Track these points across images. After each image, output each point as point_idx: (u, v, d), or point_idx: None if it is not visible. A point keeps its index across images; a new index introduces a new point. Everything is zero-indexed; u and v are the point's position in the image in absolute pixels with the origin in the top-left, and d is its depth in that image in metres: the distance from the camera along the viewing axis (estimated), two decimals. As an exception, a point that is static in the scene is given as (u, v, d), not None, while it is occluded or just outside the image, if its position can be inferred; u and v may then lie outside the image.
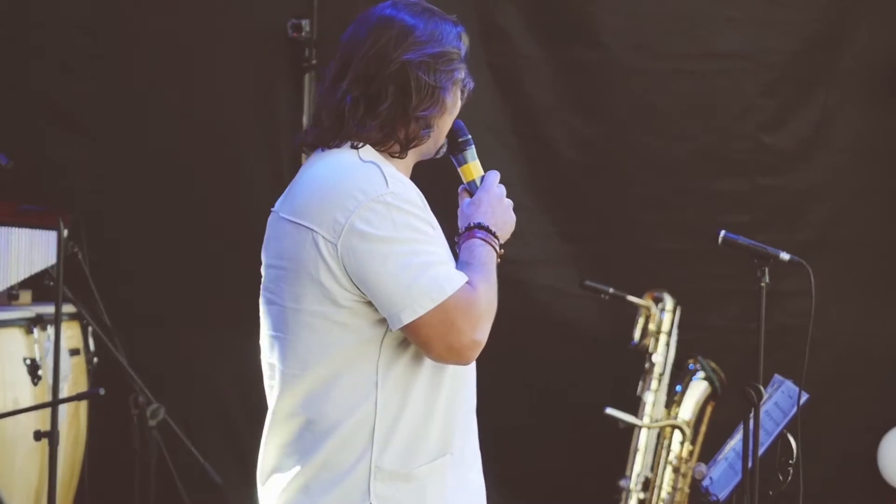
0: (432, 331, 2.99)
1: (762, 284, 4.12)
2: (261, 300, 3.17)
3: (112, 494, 5.50)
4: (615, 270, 5.61)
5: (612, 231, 5.67)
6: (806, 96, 5.81)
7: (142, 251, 5.69)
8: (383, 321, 3.03)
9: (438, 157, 3.25)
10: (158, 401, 4.99)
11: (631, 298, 5.37)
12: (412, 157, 3.22)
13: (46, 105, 5.72)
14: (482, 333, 3.02)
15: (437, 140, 3.22)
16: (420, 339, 3.03)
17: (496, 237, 3.18)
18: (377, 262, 2.97)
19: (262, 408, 5.54)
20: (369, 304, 3.03)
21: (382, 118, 3.11)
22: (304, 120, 5.64)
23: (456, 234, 3.19)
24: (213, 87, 5.66)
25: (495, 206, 3.23)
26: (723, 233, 4.17)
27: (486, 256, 3.14)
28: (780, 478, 4.14)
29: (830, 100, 5.78)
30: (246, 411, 5.68)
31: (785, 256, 4.09)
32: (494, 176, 3.29)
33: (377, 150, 3.14)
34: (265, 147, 5.70)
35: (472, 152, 3.30)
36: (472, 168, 3.30)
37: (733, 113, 5.83)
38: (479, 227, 3.18)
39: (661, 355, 5.36)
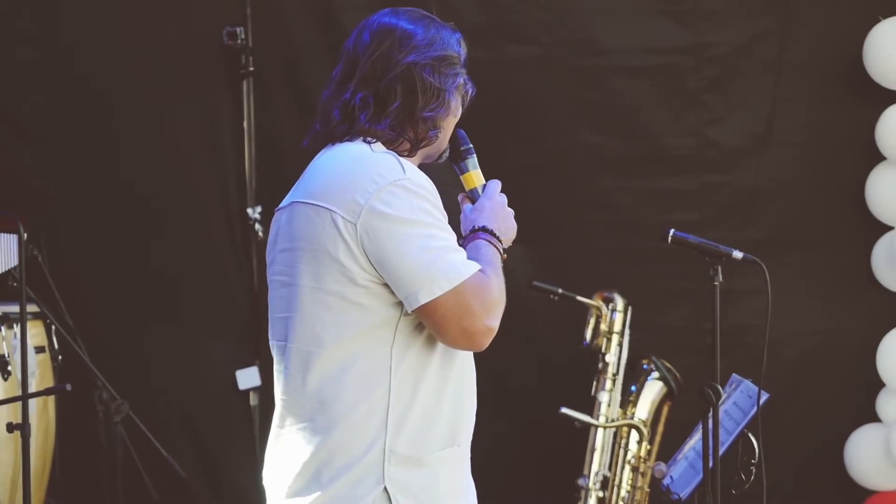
0: (449, 312, 3.05)
1: (715, 283, 4.11)
2: (271, 288, 3.23)
3: (82, 486, 5.59)
4: (565, 271, 5.60)
5: (560, 231, 5.65)
6: (752, 91, 5.78)
7: (97, 252, 5.72)
8: (399, 305, 3.10)
9: (440, 161, 3.33)
10: (122, 397, 5.07)
11: (581, 299, 5.36)
12: (417, 158, 3.29)
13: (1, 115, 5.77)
14: (495, 320, 3.08)
15: (441, 142, 3.32)
16: (436, 321, 3.09)
17: (500, 241, 3.25)
18: (397, 243, 3.05)
19: (221, 402, 5.66)
20: (386, 286, 3.09)
21: (393, 117, 3.22)
22: (245, 125, 5.67)
23: (459, 238, 3.23)
24: (157, 95, 5.67)
25: (498, 213, 3.31)
26: (672, 231, 4.18)
27: (493, 255, 3.20)
28: (742, 477, 4.14)
29: (778, 94, 5.76)
30: (207, 406, 5.71)
31: (738, 255, 4.09)
32: (497, 185, 3.38)
33: (388, 148, 3.21)
34: (209, 151, 5.71)
35: (473, 161, 3.39)
36: (475, 176, 3.39)
37: (677, 109, 5.80)
38: (484, 230, 3.25)
39: (614, 355, 5.35)
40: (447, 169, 3.38)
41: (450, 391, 3.21)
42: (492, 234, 3.24)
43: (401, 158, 3.15)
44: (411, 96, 3.21)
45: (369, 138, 3.20)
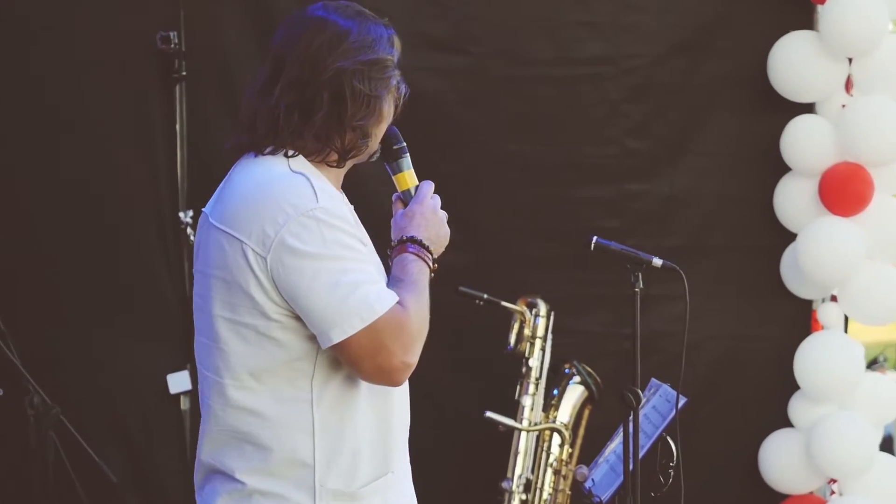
0: (362, 351, 2.94)
1: (636, 290, 4.18)
2: (194, 302, 3.13)
3: (12, 491, 5.53)
4: (490, 277, 5.64)
5: (485, 238, 5.71)
6: (671, 101, 5.87)
7: (28, 254, 5.64)
8: (315, 337, 2.98)
9: (371, 161, 3.21)
10: (53, 402, 4.98)
11: (505, 304, 5.39)
12: (332, 166, 3.14)
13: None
14: (413, 356, 2.98)
15: (371, 147, 3.16)
16: (350, 359, 2.98)
17: (429, 251, 3.13)
18: (307, 279, 2.92)
19: (152, 406, 5.64)
20: (300, 319, 2.98)
21: (318, 128, 3.07)
22: (178, 129, 5.64)
23: (388, 246, 3.15)
24: (89, 99, 5.61)
25: (429, 219, 3.18)
26: (595, 238, 4.21)
27: (419, 273, 3.09)
28: (661, 480, 4.23)
29: (696, 104, 5.86)
30: (138, 410, 5.67)
31: (658, 262, 4.15)
32: (428, 186, 3.25)
33: (313, 159, 3.09)
34: (141, 155, 5.67)
35: (407, 161, 3.26)
36: (408, 177, 3.27)
37: (598, 118, 5.86)
38: (412, 240, 3.13)
39: (537, 360, 5.41)
40: (380, 168, 3.30)
41: (379, 418, 3.12)
42: (420, 244, 3.11)
43: (316, 182, 3.01)
44: (340, 104, 3.05)
45: (291, 151, 3.07)
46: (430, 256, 3.14)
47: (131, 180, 5.68)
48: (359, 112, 3.07)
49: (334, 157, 3.11)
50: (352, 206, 3.25)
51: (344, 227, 2.97)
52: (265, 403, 3.03)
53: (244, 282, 2.98)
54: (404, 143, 3.26)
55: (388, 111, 3.17)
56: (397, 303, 2.97)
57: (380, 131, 3.17)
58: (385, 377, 3.01)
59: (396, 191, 3.29)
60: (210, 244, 3.05)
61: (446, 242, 3.24)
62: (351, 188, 3.29)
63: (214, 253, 3.03)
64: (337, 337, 2.94)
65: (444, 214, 3.23)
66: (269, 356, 3.02)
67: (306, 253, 2.92)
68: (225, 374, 3.06)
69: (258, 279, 2.97)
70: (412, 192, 3.25)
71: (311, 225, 2.93)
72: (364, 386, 3.07)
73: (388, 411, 3.15)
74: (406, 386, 3.20)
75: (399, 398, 3.20)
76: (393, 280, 3.09)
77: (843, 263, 5.56)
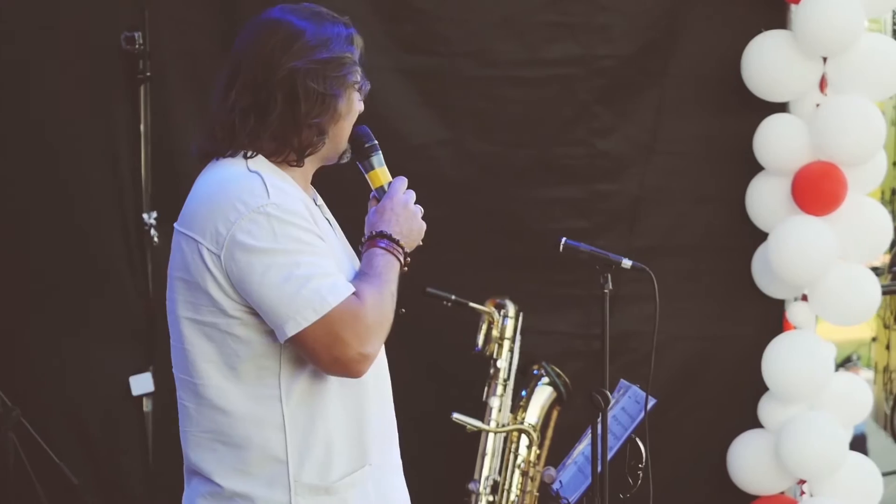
0: (317, 343, 2.96)
1: (605, 290, 4.16)
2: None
3: None
4: (458, 278, 5.60)
5: (453, 239, 5.63)
6: (639, 101, 5.84)
7: None
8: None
9: (343, 162, 3.23)
10: (14, 403, 5.00)
11: (473, 305, 5.37)
12: (311, 163, 3.20)
13: None
14: (371, 346, 2.99)
15: (336, 146, 3.19)
16: (307, 352, 3.00)
17: (399, 246, 3.16)
18: (258, 274, 2.96)
19: (111, 409, 5.60)
20: (258, 314, 3.01)
21: (273, 128, 3.10)
22: (142, 129, 5.61)
23: (360, 243, 3.18)
24: (53, 99, 5.59)
25: (399, 214, 3.20)
26: (564, 240, 4.19)
27: (385, 266, 3.11)
28: (630, 481, 4.20)
29: (664, 104, 5.84)
30: (99, 412, 5.64)
31: (627, 263, 4.12)
32: (400, 182, 3.27)
33: (274, 160, 3.13)
34: (104, 156, 5.64)
35: (378, 158, 3.28)
36: (380, 174, 3.29)
37: (567, 119, 5.84)
38: (381, 235, 3.16)
39: (505, 361, 5.36)
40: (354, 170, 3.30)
41: (352, 411, 3.13)
42: (390, 239, 3.14)
43: (269, 179, 3.04)
44: (293, 104, 3.09)
45: (251, 152, 3.12)
46: (400, 251, 3.17)
47: (95, 181, 5.65)
48: (313, 110, 3.11)
49: (293, 156, 3.15)
50: (323, 206, 3.30)
51: (296, 222, 3.00)
52: (235, 402, 3.07)
53: (202, 280, 3.02)
54: (375, 142, 3.28)
55: (347, 108, 3.19)
56: (353, 294, 3.00)
57: (340, 129, 3.19)
58: (343, 368, 3.01)
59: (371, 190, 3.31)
60: (174, 248, 3.12)
61: (420, 236, 3.26)
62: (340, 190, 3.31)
63: (177, 255, 3.10)
64: (291, 330, 2.96)
65: (417, 209, 3.25)
66: (234, 354, 3.05)
67: (257, 248, 2.96)
68: (194, 374, 3.10)
69: (214, 277, 3.01)
70: (385, 188, 3.28)
71: (261, 221, 2.97)
72: (333, 380, 3.09)
73: (362, 404, 3.16)
74: (383, 379, 3.25)
75: (375, 391, 3.21)
76: (358, 274, 3.12)
77: (814, 263, 5.53)
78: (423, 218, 3.31)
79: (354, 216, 3.41)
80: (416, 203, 3.30)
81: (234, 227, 2.97)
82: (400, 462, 3.36)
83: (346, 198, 3.58)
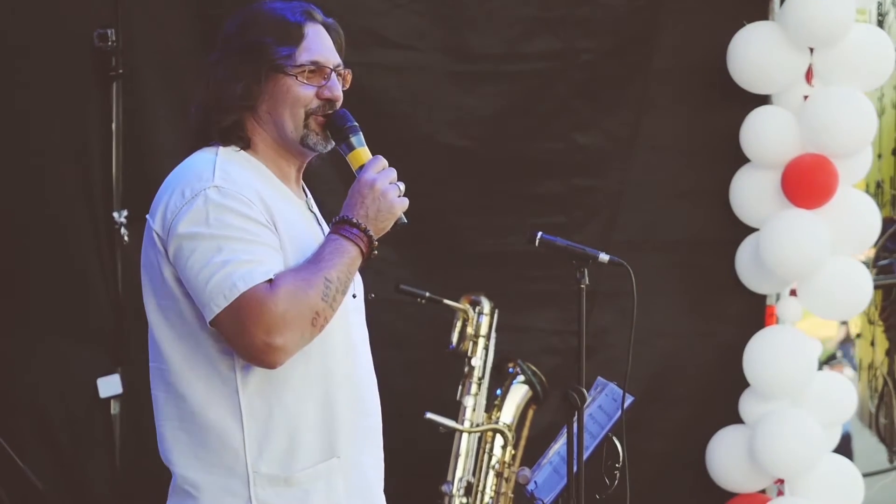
0: (227, 330, 2.97)
1: (581, 286, 4.09)
2: None
3: None
4: (432, 274, 5.56)
5: (428, 235, 5.58)
6: (619, 96, 5.80)
7: None
8: None
9: (322, 150, 3.24)
10: None
11: (447, 302, 5.31)
12: (276, 152, 3.23)
13: None
14: (280, 337, 2.94)
15: (280, 129, 3.20)
16: (225, 339, 3.01)
17: (361, 230, 3.10)
18: (184, 258, 3.00)
19: (78, 411, 5.52)
20: None
21: (201, 117, 3.21)
22: (114, 127, 5.56)
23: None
24: (23, 95, 5.56)
25: (365, 196, 3.13)
26: (540, 234, 4.13)
27: (332, 253, 3.07)
28: (607, 481, 4.13)
29: (645, 99, 5.79)
30: (66, 414, 5.56)
31: (604, 257, 4.06)
32: (374, 162, 3.20)
33: (240, 148, 3.19)
34: (75, 153, 5.59)
35: (358, 139, 3.23)
36: (361, 154, 3.23)
37: (546, 114, 5.79)
38: (343, 221, 3.12)
39: (480, 359, 5.29)
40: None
41: (316, 401, 3.12)
42: (351, 224, 3.10)
43: (221, 164, 3.10)
44: (207, 93, 3.19)
45: (213, 141, 3.21)
46: (360, 236, 3.11)
47: (65, 179, 5.61)
48: (220, 97, 3.19)
49: (241, 142, 3.21)
50: (309, 200, 3.33)
51: (234, 207, 3.02)
52: (194, 389, 3.09)
53: (157, 263, 3.08)
54: (355, 123, 3.25)
55: (278, 88, 3.20)
56: (268, 281, 2.97)
57: (276, 112, 3.21)
58: (252, 358, 3.00)
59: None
60: (144, 236, 3.17)
61: (392, 216, 3.18)
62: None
63: (143, 242, 3.15)
64: (208, 315, 2.99)
65: (391, 188, 3.17)
66: (192, 339, 3.08)
67: (187, 233, 3.01)
68: (161, 359, 3.13)
69: (162, 258, 3.06)
70: None
71: (199, 205, 3.01)
72: (293, 368, 3.07)
73: (330, 395, 3.15)
74: (360, 370, 3.24)
75: (346, 381, 3.19)
76: (305, 261, 3.11)
77: (807, 257, 5.49)
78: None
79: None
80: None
81: (178, 211, 3.02)
82: (381, 461, 3.35)
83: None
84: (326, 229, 3.29)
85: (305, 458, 3.10)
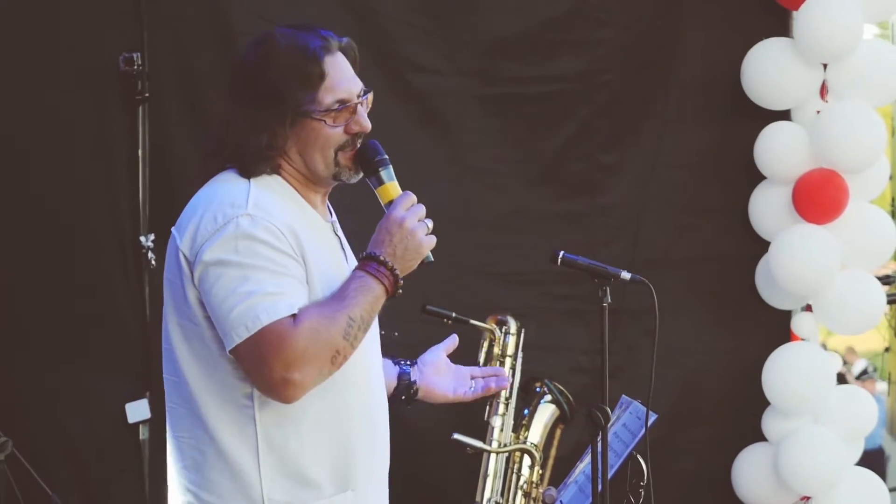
0: (247, 363, 2.97)
1: (604, 304, 4.11)
2: None
3: None
4: (459, 294, 5.56)
5: (453, 255, 5.57)
6: (642, 115, 5.81)
7: None
8: None
9: (352, 181, 3.23)
10: (6, 433, 4.93)
11: (474, 322, 5.28)
12: (304, 184, 3.20)
13: None
14: (298, 373, 2.94)
15: (314, 170, 3.19)
16: (245, 371, 3.00)
17: (388, 269, 3.10)
18: (210, 284, 2.99)
19: (106, 437, 5.53)
20: None
21: (229, 151, 3.17)
22: (140, 151, 5.57)
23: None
24: (52, 123, 5.57)
25: (394, 234, 3.14)
26: (562, 253, 4.17)
27: (357, 290, 3.06)
28: (632, 499, 4.14)
29: (666, 116, 5.80)
30: (94, 440, 5.56)
31: (626, 275, 4.09)
32: (404, 199, 3.21)
33: (269, 174, 3.18)
34: (102, 177, 5.61)
35: (388, 173, 3.24)
36: (390, 189, 3.23)
37: (570, 135, 5.80)
38: (369, 258, 3.11)
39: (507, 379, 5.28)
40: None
41: (333, 434, 3.12)
42: (378, 262, 3.09)
43: (255, 191, 3.08)
44: (232, 132, 3.17)
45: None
46: (387, 274, 3.10)
47: (92, 203, 5.62)
48: (252, 139, 3.16)
49: (255, 172, 3.18)
50: (334, 222, 3.32)
51: (261, 237, 3.00)
52: (210, 412, 3.07)
53: (181, 282, 3.07)
54: (385, 156, 3.25)
55: (296, 137, 3.19)
56: (291, 316, 2.96)
57: (307, 155, 3.19)
58: (269, 392, 3.00)
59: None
60: (167, 251, 3.18)
61: (419, 255, 3.19)
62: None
63: (168, 258, 3.15)
64: (228, 344, 2.98)
65: (421, 226, 3.18)
66: (210, 362, 3.06)
67: (216, 260, 2.99)
68: (178, 373, 3.13)
69: (187, 280, 3.05)
70: None
71: (230, 232, 3.00)
72: (309, 401, 3.05)
73: (347, 426, 3.14)
74: (376, 404, 3.23)
75: (362, 412, 3.19)
76: (328, 296, 3.09)
77: (817, 272, 5.46)
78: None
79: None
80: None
81: (208, 237, 3.00)
82: (387, 487, 3.32)
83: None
84: (350, 255, 3.30)
85: (320, 490, 3.10)
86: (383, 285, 3.09)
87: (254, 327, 2.93)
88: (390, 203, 3.21)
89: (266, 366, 2.92)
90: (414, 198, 3.22)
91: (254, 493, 3.04)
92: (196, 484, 3.10)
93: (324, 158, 3.19)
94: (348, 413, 3.14)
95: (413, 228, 3.16)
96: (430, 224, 3.22)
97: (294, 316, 2.96)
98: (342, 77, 3.24)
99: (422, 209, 3.21)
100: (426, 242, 3.19)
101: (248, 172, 3.15)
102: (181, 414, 3.13)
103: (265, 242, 2.99)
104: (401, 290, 3.14)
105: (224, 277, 2.96)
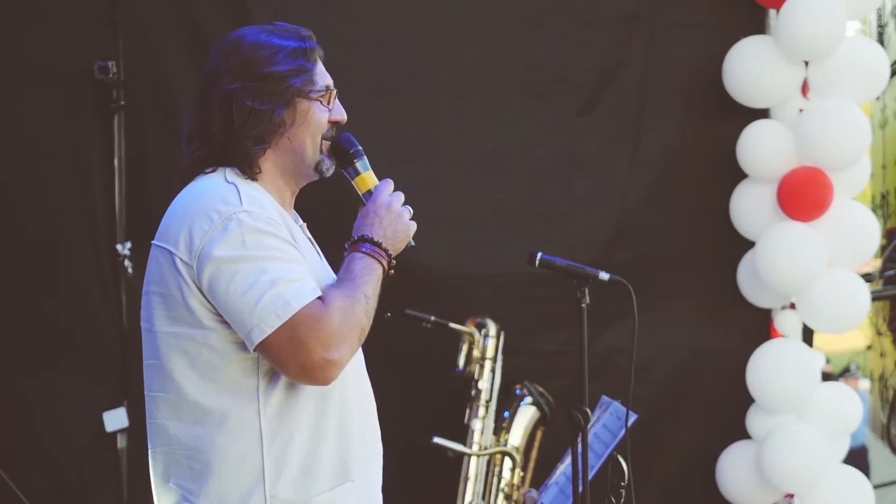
0: (282, 350, 2.96)
1: (582, 305, 4.08)
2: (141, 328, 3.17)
3: None
4: (437, 297, 5.54)
5: (433, 257, 5.54)
6: (622, 113, 5.79)
7: None
8: None
9: (328, 175, 3.24)
10: None
11: (453, 325, 5.30)
12: (283, 179, 3.23)
13: None
14: (335, 352, 2.97)
15: (300, 156, 3.21)
16: (274, 360, 3.00)
17: (382, 249, 3.15)
18: (225, 282, 2.97)
19: (84, 446, 5.50)
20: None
21: (218, 145, 3.15)
22: (116, 160, 5.57)
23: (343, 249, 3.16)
24: (27, 132, 5.57)
25: (383, 217, 3.19)
26: (539, 255, 4.13)
27: (362, 271, 3.10)
28: (613, 500, 4.11)
29: (644, 116, 5.78)
30: (71, 449, 5.54)
31: (604, 276, 4.05)
32: (386, 184, 3.27)
33: (248, 174, 3.16)
34: (77, 186, 5.59)
35: (363, 163, 3.28)
36: (367, 179, 3.28)
37: (548, 133, 5.78)
38: (363, 239, 3.15)
39: (487, 382, 5.28)
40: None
41: (331, 425, 3.13)
42: (372, 243, 3.14)
43: (244, 189, 3.08)
44: (228, 123, 3.14)
45: (223, 167, 3.17)
46: (382, 254, 3.16)
47: (68, 212, 5.61)
48: (248, 123, 3.15)
49: (247, 169, 3.18)
50: (305, 228, 3.33)
51: (267, 230, 3.02)
52: (212, 416, 3.07)
53: (178, 291, 3.05)
54: (359, 147, 3.28)
55: (294, 118, 3.21)
56: (318, 298, 3.00)
57: (297, 139, 3.21)
58: (308, 376, 3.01)
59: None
60: (150, 262, 3.14)
61: (406, 238, 3.25)
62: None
63: (153, 270, 3.12)
64: (257, 337, 2.97)
65: (404, 210, 3.24)
66: (211, 366, 3.06)
67: (226, 257, 2.99)
68: (171, 389, 3.10)
69: (189, 288, 3.03)
70: (373, 192, 3.27)
71: (232, 228, 3.00)
72: (313, 393, 3.09)
73: (345, 419, 3.16)
74: (366, 395, 3.25)
75: (358, 407, 3.21)
76: (335, 280, 3.13)
77: (802, 270, 5.45)
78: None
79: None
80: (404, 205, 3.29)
81: (207, 236, 3.00)
82: (380, 480, 3.33)
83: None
84: (322, 257, 3.31)
85: (322, 483, 3.11)
86: (381, 265, 3.15)
87: (285, 315, 2.94)
88: (368, 193, 3.26)
89: (304, 349, 2.94)
90: (393, 185, 3.27)
91: (258, 491, 3.05)
92: (195, 494, 3.09)
93: (313, 143, 3.21)
94: (346, 404, 3.16)
95: (400, 213, 3.22)
96: (410, 210, 3.27)
97: (320, 298, 3.00)
98: (323, 68, 3.30)
99: (402, 196, 3.26)
100: (411, 226, 3.25)
101: (231, 174, 3.16)
102: (173, 427, 3.11)
103: (272, 234, 3.01)
104: (392, 272, 3.18)
105: (240, 273, 2.96)
